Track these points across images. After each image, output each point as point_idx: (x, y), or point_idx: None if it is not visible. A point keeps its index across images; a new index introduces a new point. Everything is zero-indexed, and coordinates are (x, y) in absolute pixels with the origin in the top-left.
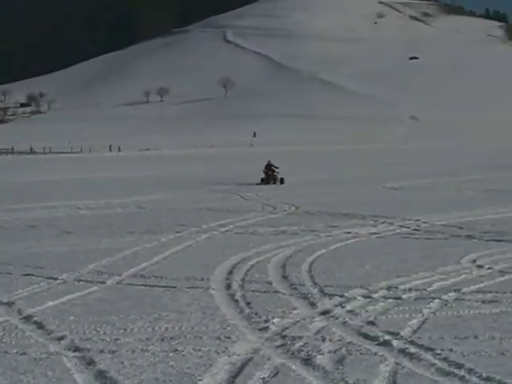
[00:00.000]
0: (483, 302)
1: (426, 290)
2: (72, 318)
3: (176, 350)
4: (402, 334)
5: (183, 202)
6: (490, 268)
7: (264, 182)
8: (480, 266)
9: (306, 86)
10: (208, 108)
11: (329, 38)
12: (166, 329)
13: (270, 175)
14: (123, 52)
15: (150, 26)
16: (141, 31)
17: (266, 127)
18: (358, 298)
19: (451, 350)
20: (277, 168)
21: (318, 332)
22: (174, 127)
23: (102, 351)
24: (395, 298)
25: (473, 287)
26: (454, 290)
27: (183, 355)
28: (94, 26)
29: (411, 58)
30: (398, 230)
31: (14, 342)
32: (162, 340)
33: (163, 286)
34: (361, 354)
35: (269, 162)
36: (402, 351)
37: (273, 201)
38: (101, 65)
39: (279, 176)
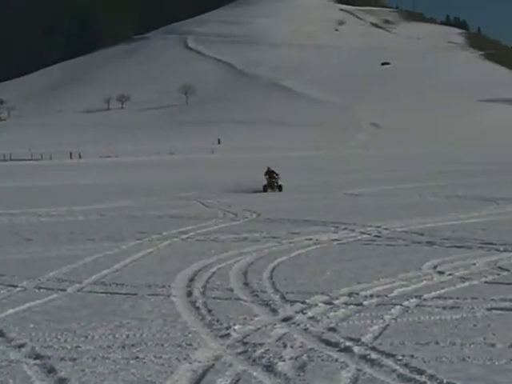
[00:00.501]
0: (444, 308)
1: (387, 296)
2: (32, 325)
3: (137, 357)
4: (363, 340)
5: (144, 209)
6: (450, 274)
7: (266, 188)
8: (441, 272)
9: (267, 93)
10: (169, 115)
11: (290, 45)
12: (127, 336)
13: (271, 182)
14: (84, 58)
15: (111, 33)
16: (102, 37)
17: (227, 134)
18: (320, 304)
19: (412, 356)
20: (277, 175)
21: (280, 339)
22: (135, 134)
23: (62, 359)
24: (356, 305)
25: (434, 293)
26: (415, 297)
27: (144, 362)
28: (54, 31)
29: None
30: (359, 237)
31: None
32: (123, 347)
33: (124, 294)
34: (322, 360)
35: (269, 168)
36: (363, 357)
37: (234, 208)
38: (62, 71)
39: (279, 182)
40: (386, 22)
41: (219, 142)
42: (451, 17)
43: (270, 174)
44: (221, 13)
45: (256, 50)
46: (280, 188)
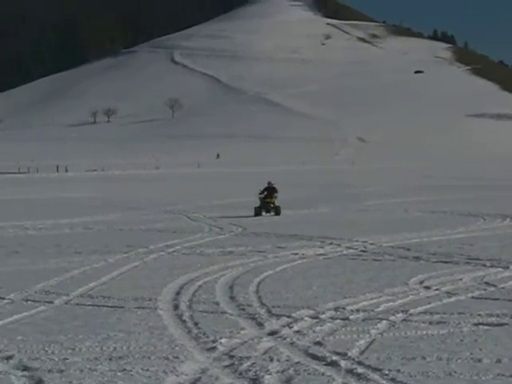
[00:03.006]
0: (430, 323)
1: (373, 310)
2: (20, 337)
3: (124, 369)
4: (349, 354)
5: (130, 222)
6: (437, 289)
7: (259, 211)
8: (427, 288)
9: (252, 107)
10: (155, 129)
11: (276, 60)
12: (115, 348)
13: (266, 203)
14: (71, 72)
15: (98, 46)
16: (89, 51)
17: (214, 148)
18: (306, 318)
19: (399, 370)
20: (276, 193)
21: (266, 352)
22: (122, 148)
23: (50, 371)
24: (343, 319)
25: (420, 308)
26: (402, 311)
27: (131, 375)
28: (40, 44)
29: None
30: (345, 252)
31: None
32: (111, 360)
33: (111, 306)
34: (308, 374)
35: (269, 184)
36: (350, 371)
37: (220, 222)
38: (48, 85)
39: (276, 203)
40: (373, 36)
41: (218, 157)
42: (439, 31)
43: (270, 191)
44: (206, 27)
45: (241, 65)
46: (277, 210)
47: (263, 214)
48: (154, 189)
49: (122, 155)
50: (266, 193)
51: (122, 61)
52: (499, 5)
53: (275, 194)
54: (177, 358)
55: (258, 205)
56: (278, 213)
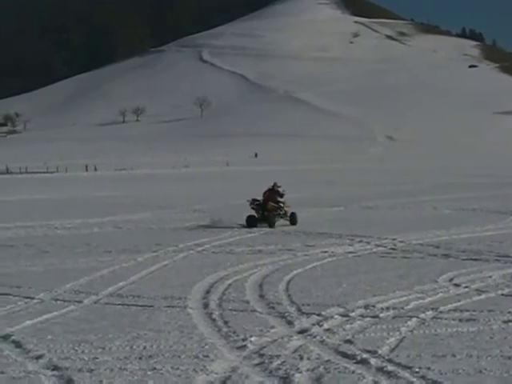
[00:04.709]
0: (460, 320)
1: (403, 308)
2: (50, 337)
3: (154, 368)
4: (379, 352)
5: (159, 221)
6: (466, 287)
7: (252, 221)
8: (457, 285)
9: (281, 106)
10: (184, 128)
11: (303, 58)
12: (144, 347)
13: (268, 211)
14: (99, 72)
15: (125, 46)
16: (116, 51)
17: (242, 147)
18: (336, 316)
19: (429, 368)
20: (281, 196)
21: (296, 350)
22: (151, 147)
23: (80, 370)
24: (372, 317)
25: (450, 306)
26: (432, 309)
27: (161, 374)
28: (68, 44)
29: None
30: (374, 249)
31: None
32: (140, 359)
33: (141, 305)
34: (339, 372)
35: (275, 185)
36: (380, 369)
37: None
38: (76, 84)
39: (287, 209)
40: (401, 34)
41: (256, 156)
42: (467, 29)
43: (269, 194)
44: (234, 26)
45: (269, 63)
46: (292, 218)
47: (258, 225)
48: (182, 188)
49: (150, 154)
50: (261, 200)
51: (150, 60)
52: None
53: (278, 197)
54: (207, 356)
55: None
56: (293, 222)
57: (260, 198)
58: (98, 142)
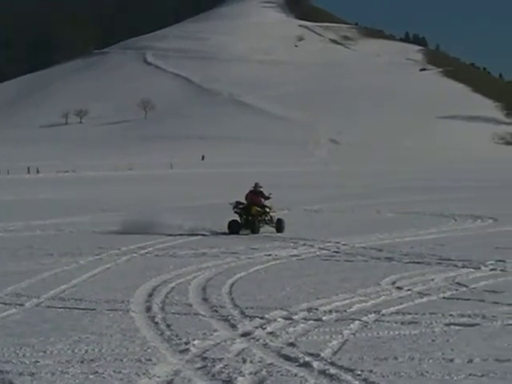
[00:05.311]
0: (403, 323)
1: (346, 311)
2: None
3: (96, 372)
4: (322, 355)
5: (102, 224)
6: (409, 290)
7: (234, 227)
8: (399, 288)
9: (226, 109)
10: (128, 130)
11: (248, 61)
12: (86, 351)
13: (253, 216)
14: (42, 73)
15: (70, 47)
16: (61, 52)
17: (186, 150)
18: (279, 319)
19: (371, 370)
20: (267, 198)
21: (239, 354)
22: (94, 149)
23: (21, 374)
24: (315, 320)
25: (392, 309)
26: (374, 312)
27: (103, 377)
28: (13, 45)
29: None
30: (318, 252)
31: None
32: (82, 362)
33: (83, 309)
34: (281, 375)
35: (256, 185)
36: (323, 372)
37: (193, 223)
38: (19, 86)
39: (274, 215)
40: (345, 38)
41: (203, 159)
42: (410, 33)
43: (253, 196)
44: (179, 28)
45: (214, 66)
46: (279, 225)
47: (244, 230)
48: (126, 190)
49: (94, 156)
50: (244, 203)
51: (94, 61)
52: (471, 7)
53: (262, 199)
54: (149, 360)
55: (235, 217)
56: (279, 229)
57: (243, 200)
58: (41, 144)
